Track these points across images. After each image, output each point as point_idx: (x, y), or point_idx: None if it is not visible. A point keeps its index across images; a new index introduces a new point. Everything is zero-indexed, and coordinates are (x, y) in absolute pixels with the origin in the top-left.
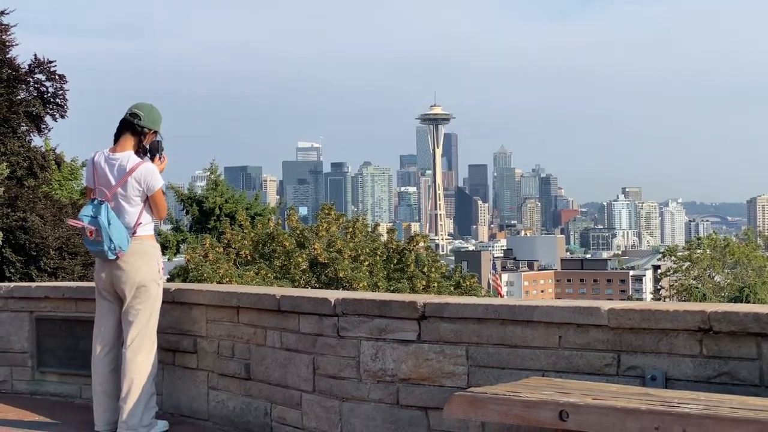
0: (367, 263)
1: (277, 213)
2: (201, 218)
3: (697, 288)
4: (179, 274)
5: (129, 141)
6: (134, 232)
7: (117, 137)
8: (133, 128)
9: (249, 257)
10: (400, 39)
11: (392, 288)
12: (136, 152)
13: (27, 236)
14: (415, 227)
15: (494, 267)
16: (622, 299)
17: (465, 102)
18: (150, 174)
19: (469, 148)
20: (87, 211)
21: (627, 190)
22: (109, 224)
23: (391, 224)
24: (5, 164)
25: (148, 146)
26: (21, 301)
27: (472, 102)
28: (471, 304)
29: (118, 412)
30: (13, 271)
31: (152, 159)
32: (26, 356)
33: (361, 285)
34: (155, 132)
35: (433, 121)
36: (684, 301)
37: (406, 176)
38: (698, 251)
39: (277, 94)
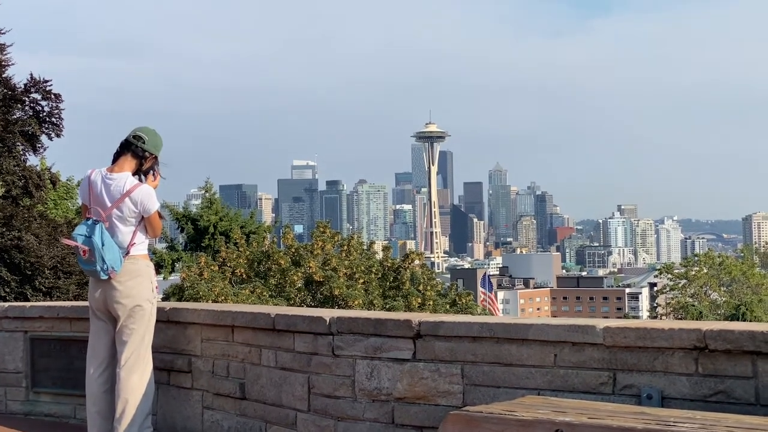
0: (362, 281)
1: (273, 231)
2: (196, 237)
3: (694, 306)
4: (174, 292)
5: (128, 162)
6: (128, 252)
7: (116, 157)
8: (135, 151)
9: (244, 276)
10: (395, 57)
11: (388, 306)
12: (134, 174)
13: (22, 255)
14: (410, 245)
15: (484, 284)
16: (618, 317)
17: (460, 120)
18: (147, 197)
19: (465, 165)
20: (81, 230)
21: (622, 207)
22: (102, 245)
23: (386, 242)
24: (0, 183)
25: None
26: (15, 321)
27: (467, 120)
28: (466, 322)
29: None
30: (7, 290)
31: (146, 175)
32: (20, 376)
33: (356, 303)
34: (155, 157)
35: (429, 138)
36: (680, 319)
37: (402, 194)
38: (695, 269)
39: (272, 112)
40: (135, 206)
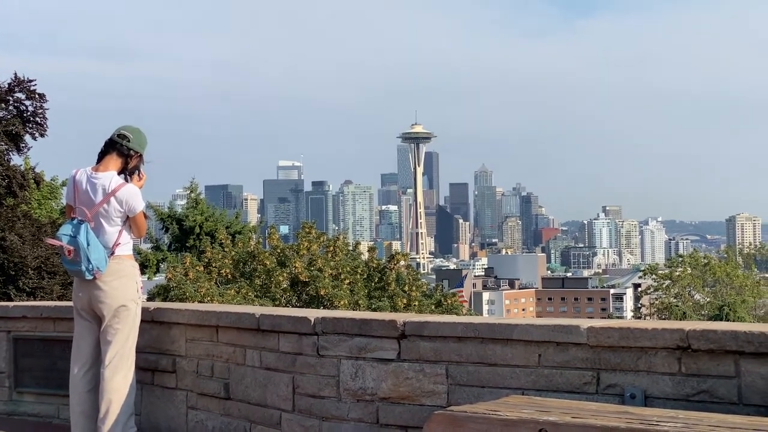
0: (348, 282)
1: (258, 232)
2: (181, 237)
3: (677, 306)
4: (159, 292)
5: (113, 161)
6: (113, 252)
7: (101, 156)
8: (120, 149)
9: (230, 276)
10: (381, 58)
11: (373, 306)
12: (120, 173)
13: (5, 255)
14: (396, 246)
15: (462, 283)
16: (602, 317)
17: (446, 121)
18: (132, 196)
19: (450, 166)
20: (66, 230)
21: (607, 208)
22: (87, 245)
23: (372, 243)
24: None
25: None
26: None
27: (453, 121)
28: (450, 322)
29: None
30: None
31: (131, 176)
32: (3, 376)
33: (342, 303)
34: (140, 155)
35: (414, 139)
36: (664, 319)
37: (387, 195)
38: (679, 269)
39: (258, 112)
40: (120, 206)
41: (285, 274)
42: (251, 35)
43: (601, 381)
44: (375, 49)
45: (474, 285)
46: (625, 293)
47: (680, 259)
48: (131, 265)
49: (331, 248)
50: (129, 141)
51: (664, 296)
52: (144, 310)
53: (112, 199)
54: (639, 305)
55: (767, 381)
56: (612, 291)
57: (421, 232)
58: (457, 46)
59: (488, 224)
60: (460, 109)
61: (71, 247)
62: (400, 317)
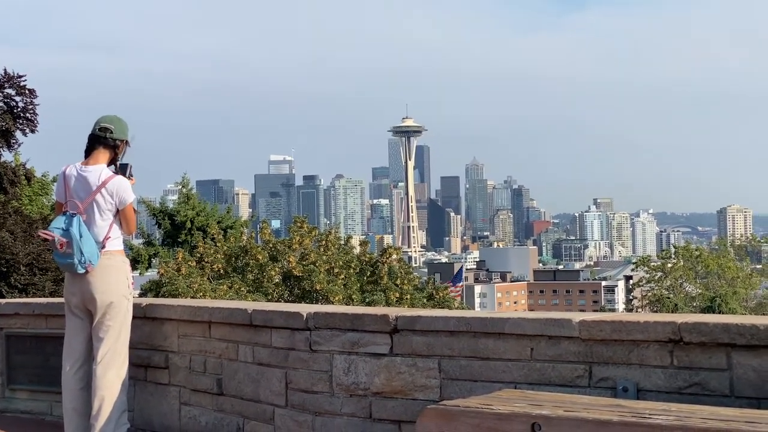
0: (341, 276)
1: (250, 226)
2: (173, 232)
3: (669, 298)
4: (152, 288)
5: (102, 155)
6: (103, 246)
7: (88, 152)
8: (106, 143)
9: (222, 271)
10: (371, 51)
11: (367, 300)
12: (111, 164)
13: None
14: (387, 239)
15: (458, 276)
16: (594, 310)
17: (437, 114)
18: (122, 188)
19: (441, 160)
20: (59, 223)
21: (598, 200)
22: (80, 237)
23: (363, 237)
24: None
25: (119, 161)
26: None
27: (444, 114)
28: (443, 316)
29: (89, 430)
30: None
31: (123, 167)
32: None
33: (337, 298)
34: (126, 141)
35: (405, 133)
36: (656, 311)
37: (379, 189)
38: (672, 260)
39: (249, 107)
40: (111, 197)
41: (277, 269)
42: (242, 29)
43: (593, 374)
44: (366, 42)
45: (466, 278)
46: (616, 285)
47: (674, 250)
48: (122, 261)
49: (324, 243)
50: (112, 132)
51: (656, 288)
52: (136, 306)
53: (103, 190)
54: (631, 297)
55: (759, 373)
56: (604, 283)
57: (413, 226)
58: (448, 39)
59: (480, 217)
60: (451, 103)
61: (64, 240)
62: (393, 312)
